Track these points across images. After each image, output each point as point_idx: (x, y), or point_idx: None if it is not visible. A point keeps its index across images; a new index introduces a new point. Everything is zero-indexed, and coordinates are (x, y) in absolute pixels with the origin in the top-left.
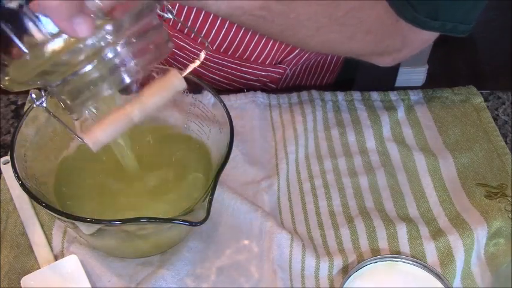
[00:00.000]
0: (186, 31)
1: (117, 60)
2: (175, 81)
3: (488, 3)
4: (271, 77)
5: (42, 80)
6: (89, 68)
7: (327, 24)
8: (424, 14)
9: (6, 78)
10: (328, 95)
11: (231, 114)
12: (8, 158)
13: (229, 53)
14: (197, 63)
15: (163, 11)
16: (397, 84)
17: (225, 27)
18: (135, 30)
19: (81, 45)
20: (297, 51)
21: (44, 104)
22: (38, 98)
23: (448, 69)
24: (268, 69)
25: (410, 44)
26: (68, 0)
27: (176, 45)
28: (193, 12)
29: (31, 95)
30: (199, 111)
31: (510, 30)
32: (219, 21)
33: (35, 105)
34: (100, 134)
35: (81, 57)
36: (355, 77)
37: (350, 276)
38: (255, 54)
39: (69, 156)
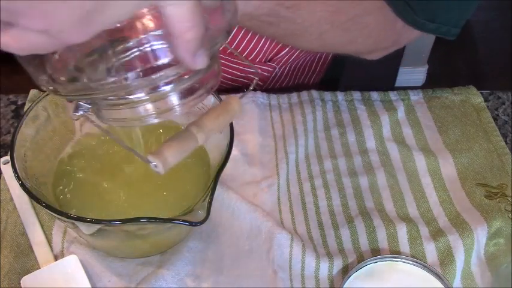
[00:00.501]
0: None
1: (169, 93)
2: (236, 107)
3: (488, 3)
4: (261, 74)
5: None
6: (140, 95)
7: (329, 30)
8: (423, 17)
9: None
10: (328, 95)
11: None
12: (8, 158)
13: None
14: (251, 88)
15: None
16: (397, 84)
17: None
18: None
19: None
20: (287, 49)
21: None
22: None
23: (448, 69)
24: (257, 66)
25: (401, 42)
26: (199, 36)
27: None
28: None
29: (79, 106)
30: (199, 111)
31: (510, 30)
32: None
33: (79, 114)
34: (170, 156)
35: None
36: (340, 77)
37: (350, 276)
38: (247, 50)
39: (67, 155)
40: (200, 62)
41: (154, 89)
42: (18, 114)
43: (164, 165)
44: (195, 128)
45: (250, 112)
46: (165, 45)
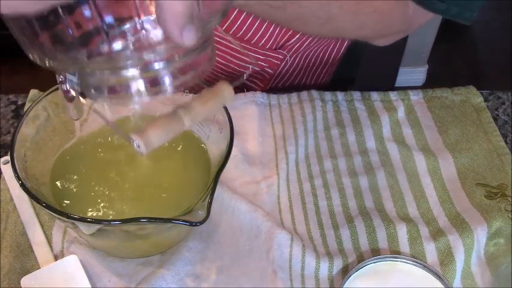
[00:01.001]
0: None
1: (160, 72)
2: (226, 93)
3: (488, 3)
4: (270, 62)
5: (76, 66)
6: (132, 71)
7: (338, 14)
8: None
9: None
10: (328, 95)
11: (231, 114)
12: (8, 158)
13: (230, 32)
14: (244, 76)
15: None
16: (397, 84)
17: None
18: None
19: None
20: (297, 36)
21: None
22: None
23: (448, 69)
24: (267, 53)
25: (412, 26)
26: (187, 10)
27: None
28: None
29: (61, 80)
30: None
31: (510, 30)
32: None
33: (66, 88)
34: (153, 136)
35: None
36: (353, 76)
37: (350, 276)
38: (256, 36)
39: (67, 155)
40: (188, 37)
41: (146, 67)
42: (18, 114)
43: (147, 145)
44: (182, 111)
45: (250, 112)
46: (158, 28)
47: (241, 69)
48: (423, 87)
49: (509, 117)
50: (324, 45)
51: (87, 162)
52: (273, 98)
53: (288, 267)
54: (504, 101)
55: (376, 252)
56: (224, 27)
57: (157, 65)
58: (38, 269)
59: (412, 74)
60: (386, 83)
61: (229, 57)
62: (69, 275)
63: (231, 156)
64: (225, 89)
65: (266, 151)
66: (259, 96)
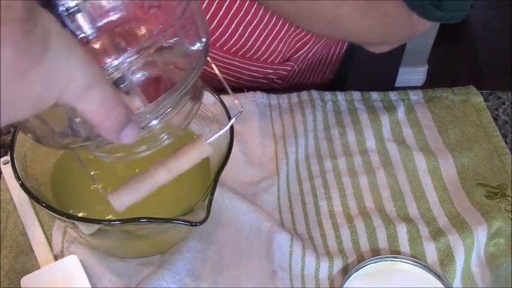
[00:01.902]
0: None
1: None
2: (203, 148)
3: (488, 3)
4: (279, 74)
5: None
6: None
7: (347, 13)
8: (433, 6)
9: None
10: (328, 95)
11: (231, 114)
12: (8, 158)
13: (239, 53)
14: (225, 129)
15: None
16: (397, 84)
17: (232, 26)
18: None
19: None
20: (305, 48)
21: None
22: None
23: (448, 69)
24: (275, 67)
25: (415, 34)
26: (117, 119)
27: None
28: (202, 8)
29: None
30: (199, 111)
31: (510, 30)
32: (227, 20)
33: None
34: (124, 196)
35: None
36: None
37: (350, 276)
38: (265, 53)
39: (67, 155)
40: (127, 139)
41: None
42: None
43: (119, 206)
44: (154, 170)
45: (250, 112)
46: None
47: (259, 79)
48: (423, 87)
49: (509, 117)
50: (327, 47)
51: (86, 162)
52: (273, 98)
53: (288, 267)
54: (504, 101)
55: (376, 252)
56: (233, 49)
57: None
58: (38, 269)
59: (412, 74)
60: (386, 83)
61: (246, 71)
62: (69, 275)
63: (231, 156)
64: (202, 144)
65: (266, 151)
66: (259, 96)
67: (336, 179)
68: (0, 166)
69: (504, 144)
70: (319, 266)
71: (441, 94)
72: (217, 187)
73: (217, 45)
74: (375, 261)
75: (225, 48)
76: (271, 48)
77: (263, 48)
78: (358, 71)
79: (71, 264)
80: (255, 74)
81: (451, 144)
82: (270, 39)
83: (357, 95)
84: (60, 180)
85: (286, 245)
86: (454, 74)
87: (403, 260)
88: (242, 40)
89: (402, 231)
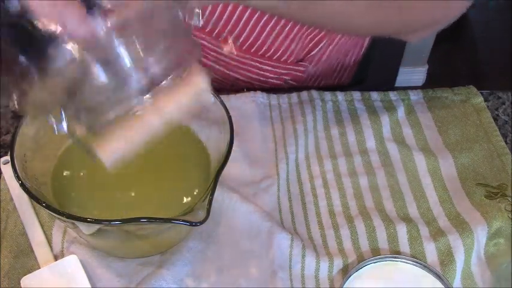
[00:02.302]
0: (208, 29)
1: (134, 69)
2: (198, 85)
3: (488, 3)
4: (293, 74)
5: (59, 102)
6: (103, 80)
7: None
8: None
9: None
10: (328, 95)
11: (231, 114)
12: (8, 158)
13: (251, 51)
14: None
15: (190, 17)
16: (397, 84)
17: (250, 25)
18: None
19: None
20: (318, 47)
21: (65, 129)
22: (58, 122)
23: (448, 69)
24: (289, 67)
25: (448, 16)
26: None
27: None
28: (218, 9)
29: (50, 120)
30: (199, 111)
31: (510, 30)
32: (243, 19)
33: (56, 133)
34: (114, 149)
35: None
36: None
37: (350, 276)
38: (277, 52)
39: (67, 155)
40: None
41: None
42: (18, 114)
43: (109, 161)
44: (146, 114)
45: (250, 112)
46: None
47: (272, 80)
48: (423, 87)
49: (509, 117)
50: (343, 50)
51: (87, 162)
52: (273, 98)
53: (288, 267)
54: (504, 101)
55: (376, 252)
56: (245, 46)
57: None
58: (38, 269)
59: (412, 74)
60: (386, 83)
61: (259, 70)
62: (69, 275)
63: (231, 156)
64: (198, 77)
65: (266, 151)
66: (259, 96)
67: (336, 179)
68: (0, 166)
69: (504, 144)
70: (319, 266)
71: (441, 94)
72: (217, 187)
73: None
74: (374, 261)
75: (237, 44)
76: (284, 45)
77: (275, 45)
78: (377, 73)
79: (71, 264)
80: (268, 74)
81: (451, 144)
82: (282, 36)
83: (357, 95)
84: (60, 180)
85: (286, 245)
86: (454, 74)
87: (403, 260)
88: (254, 35)
89: (402, 231)
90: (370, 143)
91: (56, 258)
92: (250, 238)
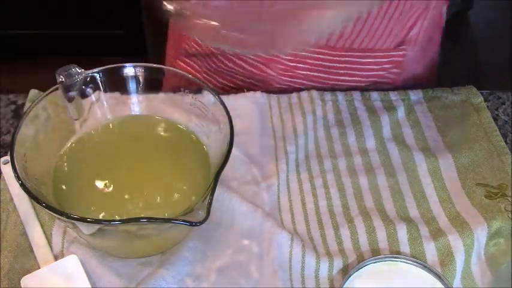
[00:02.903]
0: None
1: None
2: None
3: (488, 3)
4: (393, 61)
5: None
6: None
7: None
8: None
9: None
10: (328, 95)
11: (231, 114)
12: (8, 158)
13: (352, 46)
14: None
15: None
16: None
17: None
18: None
19: None
20: (418, 24)
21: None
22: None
23: (448, 69)
24: (389, 53)
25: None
26: None
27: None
28: None
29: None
30: (199, 111)
31: (510, 30)
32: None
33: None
34: None
35: None
36: None
37: (350, 276)
38: (379, 38)
39: (67, 155)
40: None
41: None
42: (18, 114)
43: None
44: None
45: (250, 112)
46: None
47: (365, 72)
48: (423, 87)
49: (509, 117)
50: (432, 23)
51: (87, 162)
52: (273, 98)
53: (288, 267)
54: (504, 101)
55: (376, 252)
56: (347, 43)
57: None
58: (38, 269)
59: None
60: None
61: (352, 71)
62: (69, 275)
63: (231, 156)
64: None
65: (266, 151)
66: (259, 96)
67: (336, 179)
68: (0, 166)
69: (504, 144)
70: (319, 266)
71: (441, 94)
72: (217, 187)
73: (329, 43)
74: (374, 261)
75: (337, 46)
76: (385, 31)
77: (377, 32)
78: None
79: (71, 264)
80: (371, 67)
81: (451, 144)
82: (383, 21)
83: (357, 95)
84: (60, 180)
85: (286, 245)
86: (454, 74)
87: (403, 260)
88: (354, 28)
89: (402, 231)
90: (370, 143)
91: (56, 258)
92: (250, 238)
